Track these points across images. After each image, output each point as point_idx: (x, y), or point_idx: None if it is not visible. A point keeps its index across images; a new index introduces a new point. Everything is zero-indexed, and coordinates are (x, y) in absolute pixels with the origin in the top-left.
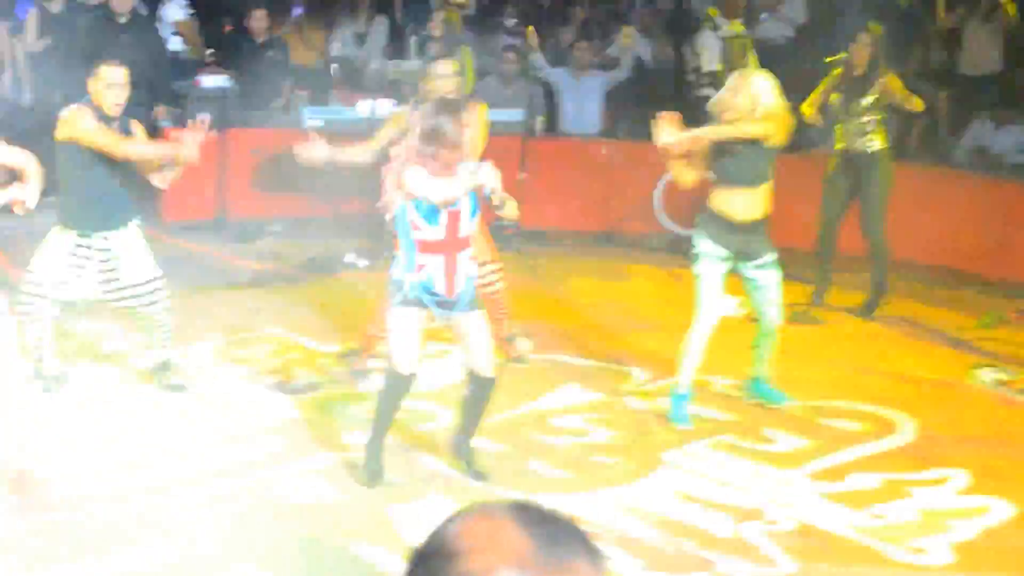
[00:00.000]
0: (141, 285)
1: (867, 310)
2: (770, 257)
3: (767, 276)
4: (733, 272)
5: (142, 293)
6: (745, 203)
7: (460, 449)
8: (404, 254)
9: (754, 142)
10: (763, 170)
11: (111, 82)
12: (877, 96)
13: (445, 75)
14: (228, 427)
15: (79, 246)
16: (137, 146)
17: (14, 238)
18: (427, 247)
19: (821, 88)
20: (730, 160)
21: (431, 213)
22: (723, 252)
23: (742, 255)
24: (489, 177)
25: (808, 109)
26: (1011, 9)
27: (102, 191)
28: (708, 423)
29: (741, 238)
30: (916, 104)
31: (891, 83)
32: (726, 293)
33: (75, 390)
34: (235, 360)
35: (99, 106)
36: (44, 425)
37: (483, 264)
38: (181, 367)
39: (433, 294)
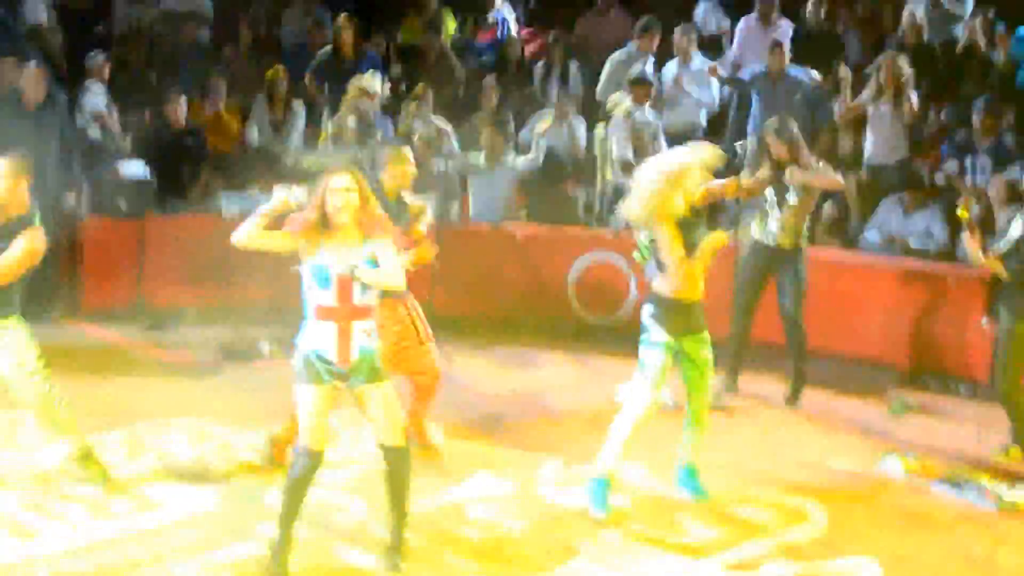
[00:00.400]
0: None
1: (791, 400)
2: (706, 334)
3: (706, 353)
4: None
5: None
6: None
7: (392, 533)
8: (305, 320)
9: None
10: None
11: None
12: (791, 187)
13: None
14: (138, 519)
15: None
16: None
17: None
18: (321, 312)
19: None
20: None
21: (322, 277)
22: (672, 339)
23: (687, 333)
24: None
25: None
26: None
27: None
28: (620, 512)
29: (688, 318)
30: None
31: (795, 173)
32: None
33: None
34: (149, 449)
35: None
36: None
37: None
38: (97, 458)
39: (326, 362)
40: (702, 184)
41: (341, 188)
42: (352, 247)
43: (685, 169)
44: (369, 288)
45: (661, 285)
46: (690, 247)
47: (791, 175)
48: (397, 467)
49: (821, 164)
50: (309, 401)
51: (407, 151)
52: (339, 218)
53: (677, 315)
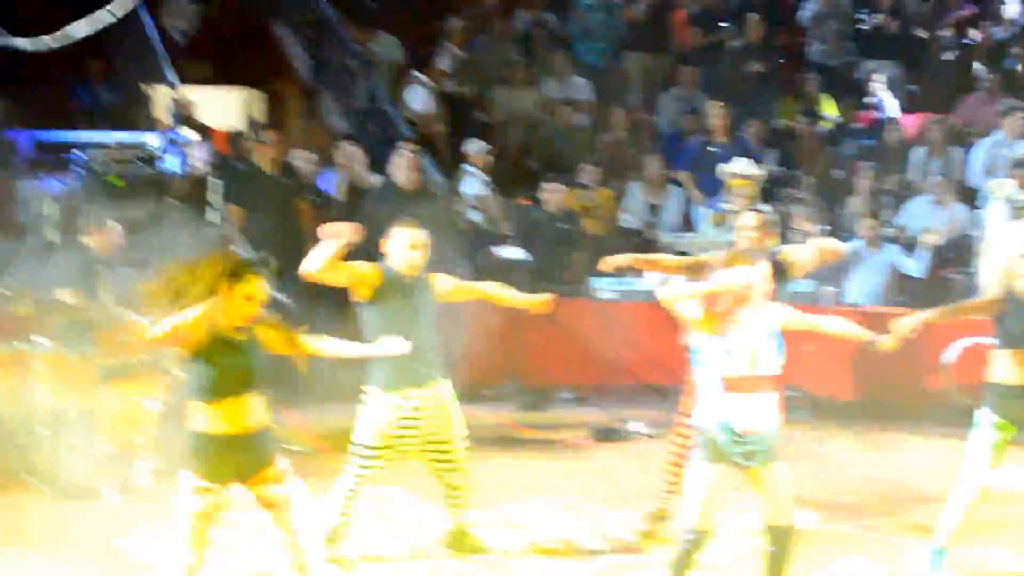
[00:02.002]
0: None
1: None
2: None
3: None
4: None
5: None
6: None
7: None
8: (706, 394)
9: None
10: None
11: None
12: None
13: (748, 226)
14: None
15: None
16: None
17: None
18: (729, 383)
19: None
20: (1011, 319)
21: (728, 349)
22: (1006, 422)
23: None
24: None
25: None
26: None
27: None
28: None
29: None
30: None
31: None
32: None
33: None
34: (519, 526)
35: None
36: None
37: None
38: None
39: (733, 434)
40: None
41: (758, 277)
42: (756, 322)
43: None
44: (775, 362)
45: None
46: None
47: None
48: (783, 547)
49: None
50: (704, 479)
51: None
52: (753, 299)
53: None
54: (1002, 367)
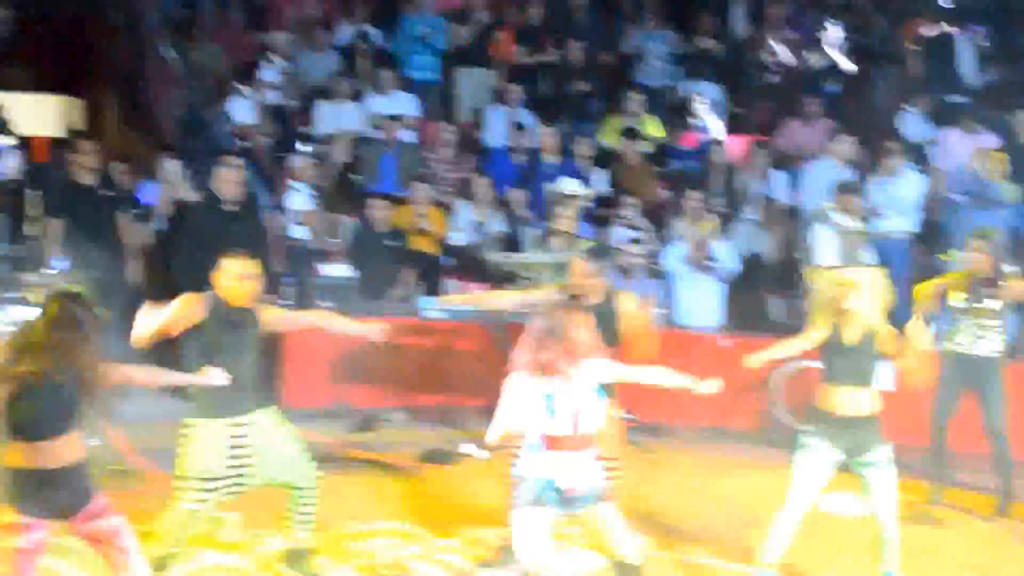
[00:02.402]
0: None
1: (1000, 511)
2: (883, 453)
3: (878, 474)
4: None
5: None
6: (852, 399)
7: None
8: (530, 448)
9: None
10: (868, 368)
11: (236, 273)
12: (1001, 298)
13: (587, 274)
14: None
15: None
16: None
17: None
18: (551, 442)
19: (939, 280)
20: (838, 358)
21: (550, 407)
22: (827, 446)
23: (851, 452)
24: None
25: (923, 297)
26: None
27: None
28: None
29: (849, 434)
30: None
31: (1017, 284)
32: (842, 491)
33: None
34: (351, 552)
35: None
36: None
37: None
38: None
39: (556, 490)
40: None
41: (581, 337)
42: (579, 380)
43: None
44: (596, 416)
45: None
46: None
47: (1011, 287)
48: None
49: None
50: (530, 523)
51: (583, 263)
52: (566, 359)
53: (827, 426)
54: (824, 397)
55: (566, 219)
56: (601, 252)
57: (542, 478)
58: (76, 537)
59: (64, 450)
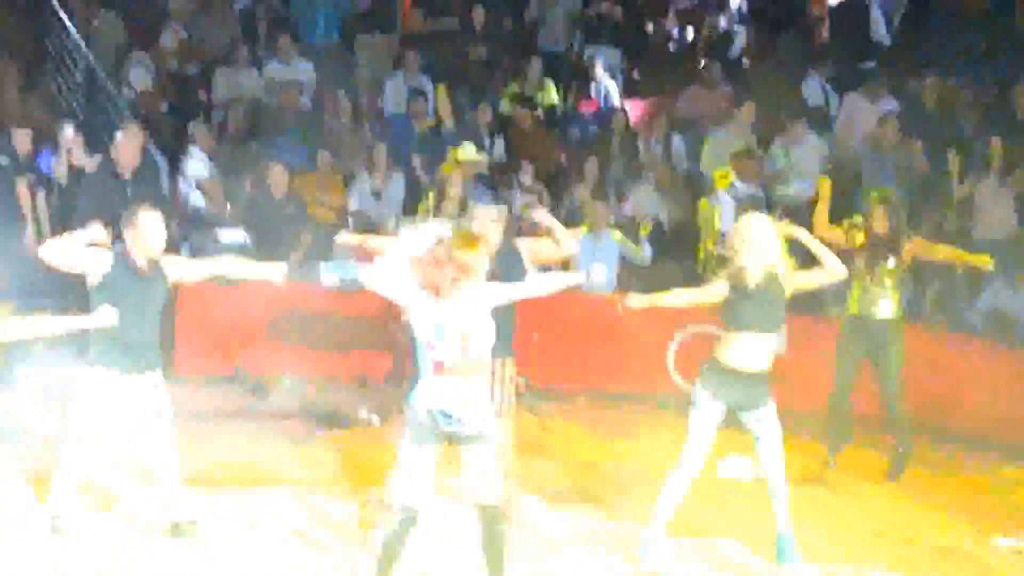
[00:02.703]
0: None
1: (893, 475)
2: (770, 408)
3: (766, 428)
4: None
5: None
6: (751, 348)
7: None
8: (420, 375)
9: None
10: (773, 313)
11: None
12: (901, 261)
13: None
14: None
15: (114, 388)
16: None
17: None
18: (439, 368)
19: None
20: (741, 303)
21: (440, 333)
22: (720, 404)
23: (742, 407)
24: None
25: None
26: None
27: (130, 335)
28: None
29: (742, 389)
30: (949, 253)
31: (918, 244)
32: (737, 454)
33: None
34: (246, 515)
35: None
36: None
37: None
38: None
39: (446, 416)
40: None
41: (470, 256)
42: (469, 303)
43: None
44: (486, 344)
45: None
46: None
47: (912, 249)
48: (493, 527)
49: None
50: (414, 458)
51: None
52: (465, 280)
53: (720, 380)
54: (720, 348)
55: (464, 185)
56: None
57: (430, 406)
58: None
59: None
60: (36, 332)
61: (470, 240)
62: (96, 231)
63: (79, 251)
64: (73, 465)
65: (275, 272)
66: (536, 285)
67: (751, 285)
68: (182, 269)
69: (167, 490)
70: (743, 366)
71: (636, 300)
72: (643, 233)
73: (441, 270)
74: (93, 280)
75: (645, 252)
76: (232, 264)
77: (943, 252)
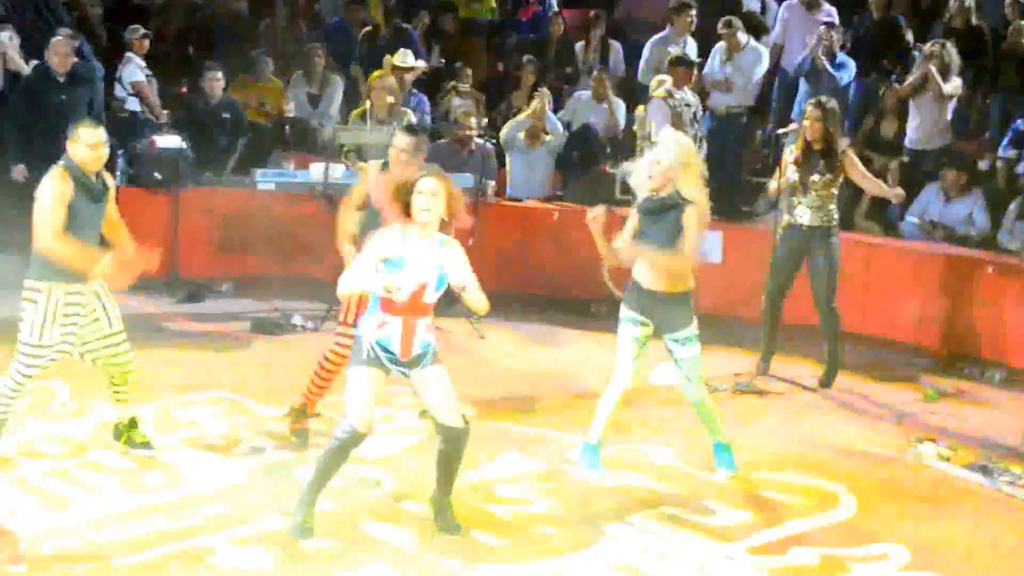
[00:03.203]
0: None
1: (824, 383)
2: (689, 331)
3: (685, 350)
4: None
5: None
6: (662, 272)
7: (438, 505)
8: (368, 310)
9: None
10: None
11: (91, 143)
12: (834, 171)
13: (403, 147)
14: (169, 492)
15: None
16: (63, 248)
17: None
18: (389, 307)
19: (781, 165)
20: (651, 228)
21: (397, 274)
22: (640, 319)
23: (661, 329)
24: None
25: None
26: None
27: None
28: (650, 494)
29: (659, 310)
30: (875, 187)
31: (848, 164)
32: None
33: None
34: (180, 423)
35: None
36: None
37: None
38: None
39: (389, 353)
40: None
41: (428, 191)
42: (427, 249)
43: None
44: (438, 291)
45: None
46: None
47: (845, 165)
48: (454, 448)
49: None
50: (362, 382)
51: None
52: (421, 219)
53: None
54: (640, 268)
55: (392, 91)
56: (418, 128)
57: (377, 339)
58: None
59: None
60: None
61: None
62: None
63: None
64: (30, 373)
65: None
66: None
67: (656, 207)
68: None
69: (125, 395)
70: (657, 287)
71: (596, 212)
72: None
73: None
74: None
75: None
76: (119, 232)
77: (866, 184)
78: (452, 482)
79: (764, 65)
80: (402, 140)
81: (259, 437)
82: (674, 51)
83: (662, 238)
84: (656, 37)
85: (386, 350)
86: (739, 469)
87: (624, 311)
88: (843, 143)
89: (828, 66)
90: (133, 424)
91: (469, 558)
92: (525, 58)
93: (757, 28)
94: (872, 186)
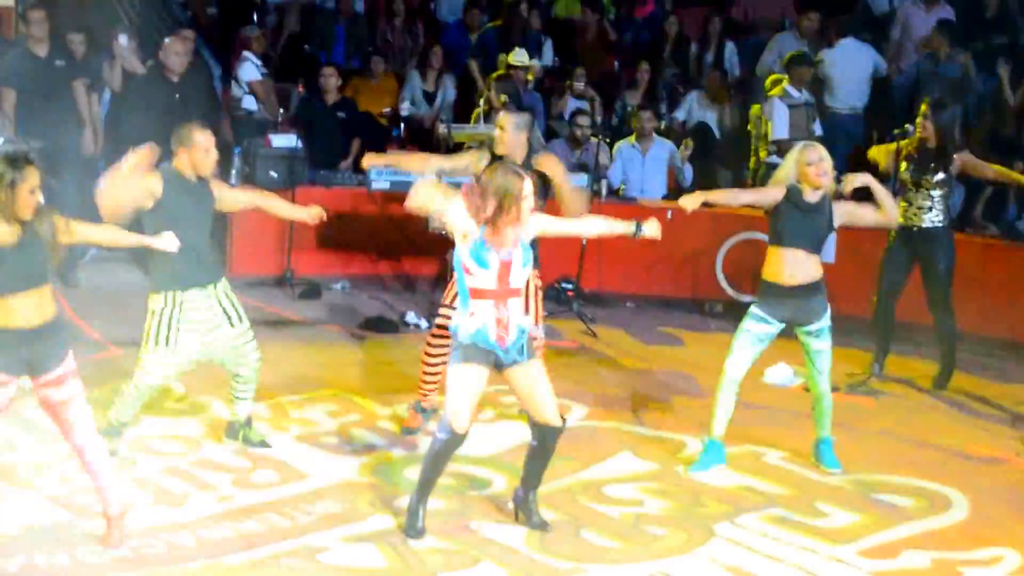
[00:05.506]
0: (242, 335)
1: (939, 384)
2: (824, 323)
3: (820, 342)
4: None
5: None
6: (796, 267)
7: (522, 501)
8: (459, 306)
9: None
10: (820, 238)
11: (206, 145)
12: (948, 172)
13: (511, 127)
14: (282, 488)
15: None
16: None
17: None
18: (478, 293)
19: (893, 147)
20: (783, 224)
21: (482, 259)
22: (767, 317)
23: (795, 321)
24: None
25: (880, 156)
26: None
27: (194, 251)
28: (760, 496)
29: (793, 303)
30: (1000, 172)
31: (967, 160)
32: (782, 363)
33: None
34: (293, 420)
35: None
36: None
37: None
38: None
39: (487, 342)
40: None
41: (526, 195)
42: (513, 236)
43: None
44: (525, 269)
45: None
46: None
47: (962, 163)
48: (547, 445)
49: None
50: (460, 381)
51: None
52: (512, 220)
53: (772, 295)
54: (767, 264)
55: (511, 89)
56: (522, 112)
57: (471, 333)
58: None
59: (47, 304)
60: (104, 240)
61: (524, 181)
62: (142, 155)
63: (129, 193)
64: (153, 379)
65: (310, 216)
66: (585, 226)
67: (806, 203)
68: (224, 196)
69: (244, 394)
70: (797, 282)
71: (689, 200)
72: (683, 151)
73: (487, 203)
74: (147, 204)
75: (686, 175)
76: (267, 201)
77: (992, 172)
78: (540, 479)
79: (878, 64)
80: (504, 118)
81: (371, 434)
82: (793, 51)
83: (814, 237)
84: (775, 36)
85: (484, 340)
86: (842, 468)
87: (753, 309)
88: (959, 145)
89: (946, 65)
90: (249, 422)
91: (579, 559)
92: (640, 57)
93: (876, 27)
94: (998, 173)
